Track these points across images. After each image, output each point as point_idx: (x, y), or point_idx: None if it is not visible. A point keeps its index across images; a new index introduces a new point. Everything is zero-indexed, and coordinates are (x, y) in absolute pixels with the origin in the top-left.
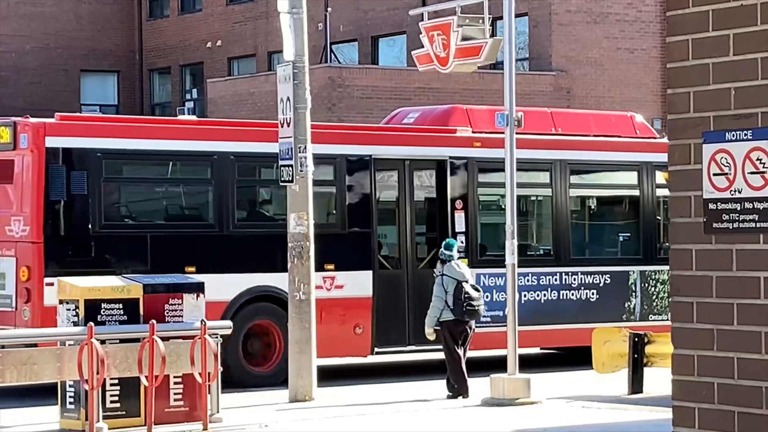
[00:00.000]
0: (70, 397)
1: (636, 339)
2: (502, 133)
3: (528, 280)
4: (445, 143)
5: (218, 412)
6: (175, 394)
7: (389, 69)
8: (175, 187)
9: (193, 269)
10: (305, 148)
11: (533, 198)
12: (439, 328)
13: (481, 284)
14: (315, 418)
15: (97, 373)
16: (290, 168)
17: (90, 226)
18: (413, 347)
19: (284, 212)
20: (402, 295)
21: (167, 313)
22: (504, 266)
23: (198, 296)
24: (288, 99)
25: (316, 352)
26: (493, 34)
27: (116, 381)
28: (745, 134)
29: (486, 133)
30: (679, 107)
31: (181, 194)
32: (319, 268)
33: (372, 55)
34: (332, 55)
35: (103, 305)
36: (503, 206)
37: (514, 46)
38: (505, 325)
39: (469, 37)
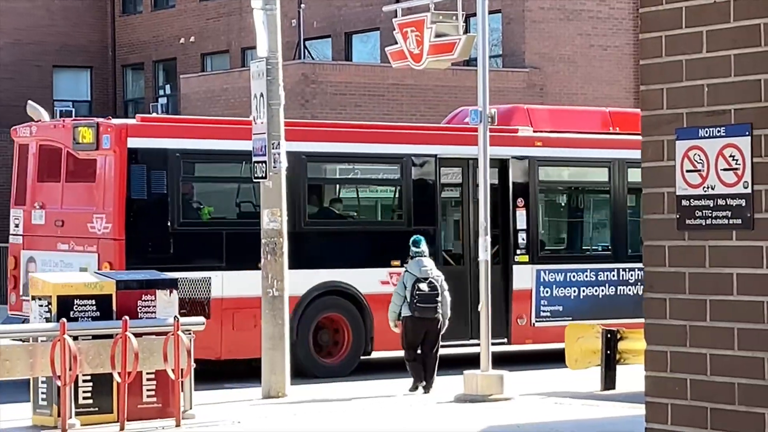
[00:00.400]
0: (42, 393)
1: (609, 335)
2: (563, 132)
3: (586, 276)
4: (507, 143)
5: (191, 408)
6: (147, 390)
7: (363, 65)
8: (248, 185)
9: None
10: (279, 144)
11: (592, 196)
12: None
13: (542, 280)
14: (287, 415)
15: (70, 370)
16: (263, 164)
17: (168, 224)
18: (476, 341)
19: (353, 210)
20: (465, 291)
21: (140, 309)
22: (565, 262)
23: (171, 292)
24: (261, 95)
25: (383, 345)
26: (466, 31)
27: (89, 377)
28: (718, 131)
29: (546, 132)
30: (652, 104)
31: (254, 193)
32: (386, 264)
33: (345, 51)
34: (306, 51)
35: (75, 301)
36: (564, 204)
37: (487, 42)
38: (565, 320)
39: (442, 33)
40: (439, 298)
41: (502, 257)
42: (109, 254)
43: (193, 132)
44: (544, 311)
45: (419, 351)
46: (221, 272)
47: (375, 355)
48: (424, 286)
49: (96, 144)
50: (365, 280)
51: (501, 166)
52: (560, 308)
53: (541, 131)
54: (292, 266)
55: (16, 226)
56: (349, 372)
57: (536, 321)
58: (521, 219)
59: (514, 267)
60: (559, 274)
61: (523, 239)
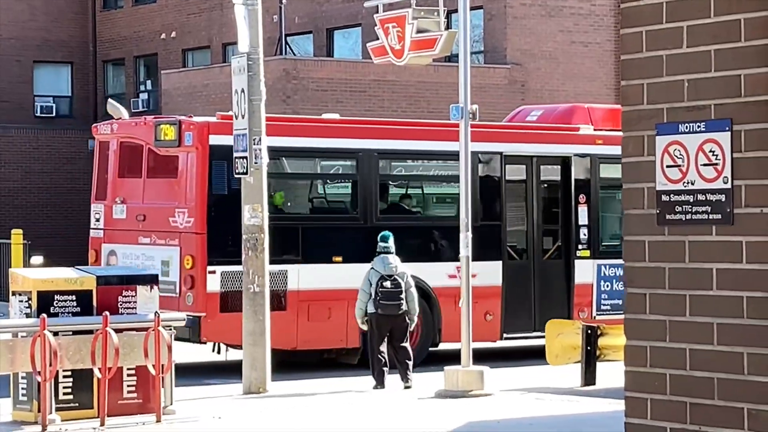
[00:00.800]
0: (22, 388)
1: (589, 331)
2: (622, 130)
3: None
4: (569, 141)
5: (172, 404)
6: (128, 386)
7: (344, 61)
8: (325, 182)
9: (339, 259)
10: (260, 140)
11: None
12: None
13: (602, 274)
14: (268, 410)
15: (50, 365)
16: (245, 160)
17: None
18: (539, 333)
19: (422, 206)
20: (529, 285)
21: (121, 304)
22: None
23: (152, 288)
24: (243, 91)
25: (451, 337)
26: (448, 27)
27: (69, 373)
28: (699, 126)
29: (606, 130)
30: (632, 99)
31: (329, 189)
32: (454, 258)
33: (327, 47)
34: (287, 47)
35: (56, 297)
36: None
37: (468, 38)
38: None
39: (424, 29)
40: (403, 295)
41: (564, 252)
42: (191, 247)
43: (270, 130)
44: (604, 305)
45: (391, 348)
46: (297, 266)
47: (442, 346)
48: (387, 284)
49: (178, 141)
50: (434, 274)
51: (563, 163)
52: (620, 302)
53: (602, 130)
54: (365, 260)
55: (97, 220)
56: (419, 363)
57: (597, 314)
58: (583, 215)
59: (576, 262)
60: (620, 268)
61: (584, 235)
